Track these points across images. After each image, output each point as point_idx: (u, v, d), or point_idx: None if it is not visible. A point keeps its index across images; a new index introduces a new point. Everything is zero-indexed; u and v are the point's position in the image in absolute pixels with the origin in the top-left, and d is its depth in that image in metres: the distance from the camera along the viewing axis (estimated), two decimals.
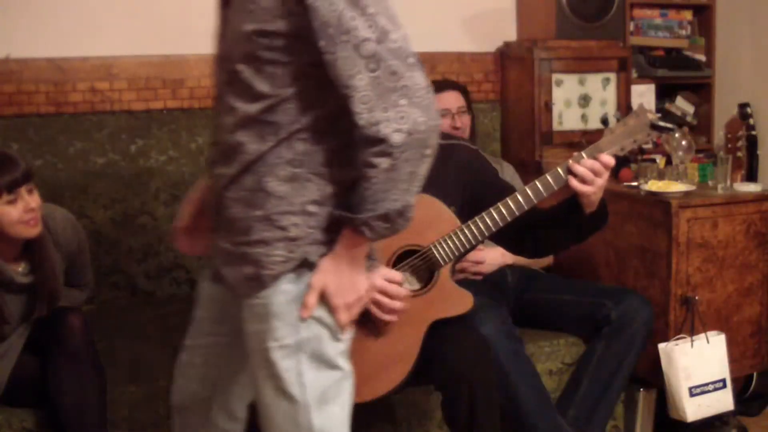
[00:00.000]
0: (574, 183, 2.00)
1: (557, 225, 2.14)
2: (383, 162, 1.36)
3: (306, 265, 1.46)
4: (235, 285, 1.51)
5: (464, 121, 2.99)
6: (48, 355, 2.13)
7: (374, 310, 2.03)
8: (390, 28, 1.36)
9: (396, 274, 2.04)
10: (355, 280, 1.49)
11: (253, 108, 1.43)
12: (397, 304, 2.02)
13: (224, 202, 1.49)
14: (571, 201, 2.09)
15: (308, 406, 1.48)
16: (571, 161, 2.01)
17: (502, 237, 2.23)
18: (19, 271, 2.17)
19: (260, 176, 1.44)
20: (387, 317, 2.04)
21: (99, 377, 2.15)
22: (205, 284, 1.69)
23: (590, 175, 1.99)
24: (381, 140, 1.35)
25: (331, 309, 1.48)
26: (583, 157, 2.01)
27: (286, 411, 1.49)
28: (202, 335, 1.71)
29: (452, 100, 2.97)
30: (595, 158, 1.99)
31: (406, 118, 1.35)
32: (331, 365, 1.50)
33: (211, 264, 1.63)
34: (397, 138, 1.35)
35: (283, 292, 1.46)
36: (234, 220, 1.48)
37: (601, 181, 2.01)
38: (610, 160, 2.00)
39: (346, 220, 1.43)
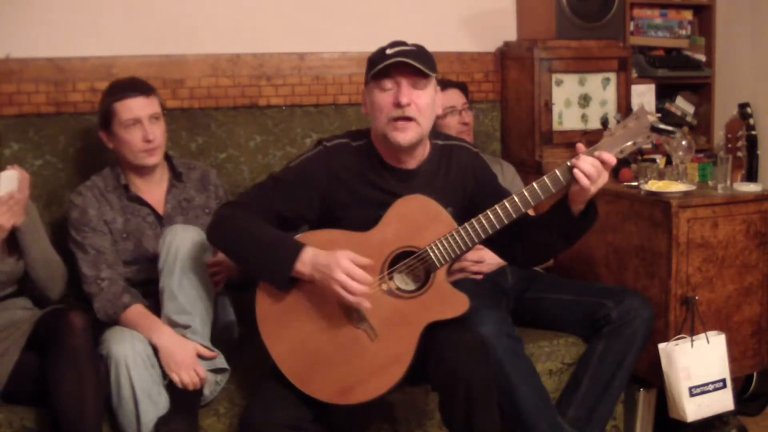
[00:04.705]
0: (581, 176, 1.98)
1: (546, 228, 2.13)
2: None
3: None
4: None
5: (470, 117, 3.01)
6: (48, 353, 2.13)
7: (339, 290, 2.00)
8: None
9: (362, 258, 2.02)
10: None
11: None
12: (358, 287, 1.99)
13: None
14: (560, 203, 2.08)
15: None
16: (572, 161, 2.00)
17: (495, 245, 2.23)
18: None
19: None
20: (349, 299, 2.01)
21: (98, 377, 2.15)
22: None
23: (595, 173, 1.98)
24: None
25: None
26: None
27: None
28: None
29: (456, 97, 2.99)
30: (595, 157, 1.98)
31: None
32: None
33: None
34: None
35: None
36: None
37: (602, 181, 2.01)
38: (612, 158, 1.99)
39: None
